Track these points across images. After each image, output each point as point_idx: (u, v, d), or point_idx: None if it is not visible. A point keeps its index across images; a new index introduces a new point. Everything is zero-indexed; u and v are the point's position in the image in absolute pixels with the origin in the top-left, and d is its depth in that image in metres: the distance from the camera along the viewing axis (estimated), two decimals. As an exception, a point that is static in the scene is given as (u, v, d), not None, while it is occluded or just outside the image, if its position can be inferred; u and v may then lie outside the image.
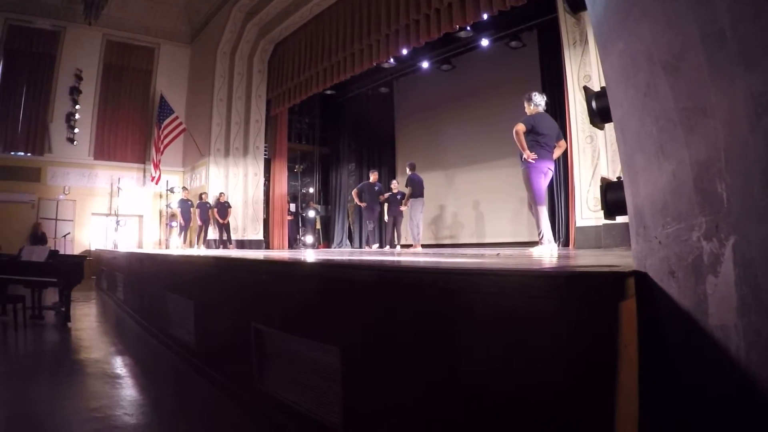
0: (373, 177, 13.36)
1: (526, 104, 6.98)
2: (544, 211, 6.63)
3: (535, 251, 6.43)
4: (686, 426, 1.70)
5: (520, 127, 6.55)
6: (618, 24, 1.99)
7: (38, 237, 15.89)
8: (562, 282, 1.92)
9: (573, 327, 1.81)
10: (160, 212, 19.14)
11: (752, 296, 1.35)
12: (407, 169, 12.41)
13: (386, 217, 13.35)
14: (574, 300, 1.83)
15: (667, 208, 1.74)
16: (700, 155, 1.52)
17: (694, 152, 1.56)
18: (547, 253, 6.17)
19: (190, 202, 16.66)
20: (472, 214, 15.94)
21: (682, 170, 1.62)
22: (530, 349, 1.92)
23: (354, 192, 13.84)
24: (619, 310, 1.71)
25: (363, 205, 13.52)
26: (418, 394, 2.42)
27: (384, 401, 2.67)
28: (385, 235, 13.92)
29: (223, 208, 16.05)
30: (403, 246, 13.12)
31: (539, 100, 6.91)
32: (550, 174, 6.79)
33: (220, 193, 16.37)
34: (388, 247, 13.19)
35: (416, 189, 11.97)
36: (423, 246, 12.43)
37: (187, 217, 16.49)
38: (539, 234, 6.63)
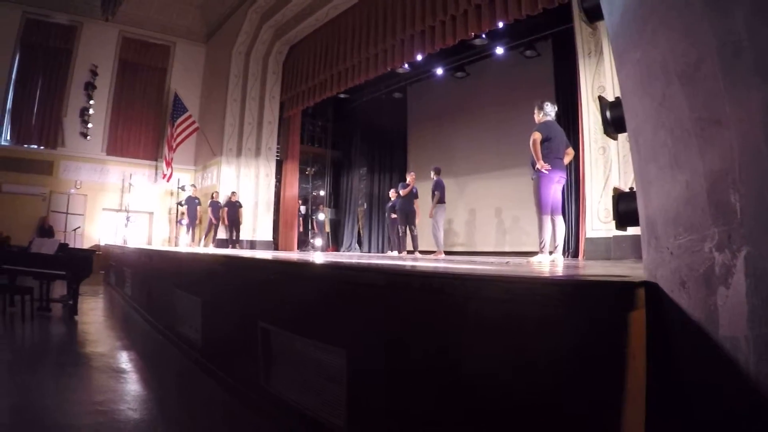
0: (410, 178, 12.73)
1: (536, 111, 6.99)
2: (547, 221, 6.62)
3: (534, 260, 6.44)
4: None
5: (537, 136, 6.54)
6: (635, 33, 1.98)
7: (45, 230, 15.94)
8: (572, 290, 1.92)
9: (582, 336, 1.80)
10: (170, 210, 19.21)
11: (763, 308, 1.35)
12: (432, 174, 11.98)
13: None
14: (584, 309, 1.82)
15: (679, 219, 1.74)
16: (714, 166, 1.52)
17: (708, 163, 1.55)
18: (546, 263, 6.16)
19: (197, 200, 16.73)
20: (483, 222, 15.90)
21: (696, 181, 1.61)
22: (538, 357, 1.92)
23: (396, 192, 13.41)
24: (628, 320, 1.71)
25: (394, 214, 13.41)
26: (424, 399, 2.42)
27: (389, 404, 2.67)
28: (398, 242, 13.72)
29: (234, 207, 16.06)
30: (423, 252, 12.87)
31: (550, 110, 6.92)
32: (563, 181, 6.80)
33: (232, 193, 16.38)
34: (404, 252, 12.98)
35: (443, 194, 11.68)
36: (429, 252, 12.31)
37: (192, 215, 16.55)
38: (540, 243, 6.63)
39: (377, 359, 2.77)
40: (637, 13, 1.94)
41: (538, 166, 6.53)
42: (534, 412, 1.90)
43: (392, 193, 13.81)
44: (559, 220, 6.76)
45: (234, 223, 16.00)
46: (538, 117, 6.95)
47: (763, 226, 1.33)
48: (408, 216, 12.30)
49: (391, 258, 9.02)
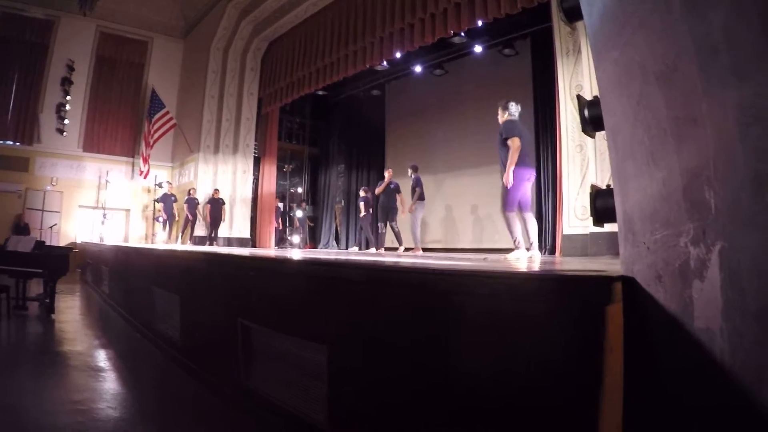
0: (387, 174, 12.84)
1: (500, 111, 7.04)
2: (512, 218, 6.68)
3: (510, 257, 6.49)
4: (670, 430, 1.72)
5: (518, 142, 6.55)
6: (613, 34, 2.02)
7: (21, 228, 15.72)
8: (550, 285, 1.95)
9: (559, 330, 1.83)
10: (147, 207, 19.03)
11: (737, 300, 1.38)
12: (410, 172, 12.12)
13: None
14: (562, 303, 1.85)
15: (656, 215, 1.77)
16: (690, 163, 1.55)
17: (684, 160, 1.59)
18: (523, 259, 6.22)
19: (173, 197, 16.65)
20: (460, 219, 15.94)
21: (672, 178, 1.65)
22: (517, 351, 1.94)
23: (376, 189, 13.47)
24: (605, 314, 1.74)
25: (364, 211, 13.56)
26: (404, 394, 2.43)
27: (370, 400, 2.68)
28: (374, 238, 13.73)
29: (217, 204, 16.03)
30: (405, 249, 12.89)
31: (514, 110, 6.97)
32: (533, 178, 6.92)
33: (215, 190, 16.35)
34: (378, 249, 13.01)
35: (422, 191, 11.76)
36: (407, 249, 12.34)
37: (169, 212, 16.47)
38: (514, 240, 6.69)
39: (358, 355, 2.78)
40: (616, 14, 1.98)
41: (503, 180, 6.58)
42: (513, 405, 1.93)
43: (362, 192, 13.95)
44: (530, 217, 6.82)
45: (216, 220, 15.95)
46: (503, 117, 6.99)
47: (737, 222, 1.37)
48: (389, 213, 12.32)
49: (370, 254, 9.04)
